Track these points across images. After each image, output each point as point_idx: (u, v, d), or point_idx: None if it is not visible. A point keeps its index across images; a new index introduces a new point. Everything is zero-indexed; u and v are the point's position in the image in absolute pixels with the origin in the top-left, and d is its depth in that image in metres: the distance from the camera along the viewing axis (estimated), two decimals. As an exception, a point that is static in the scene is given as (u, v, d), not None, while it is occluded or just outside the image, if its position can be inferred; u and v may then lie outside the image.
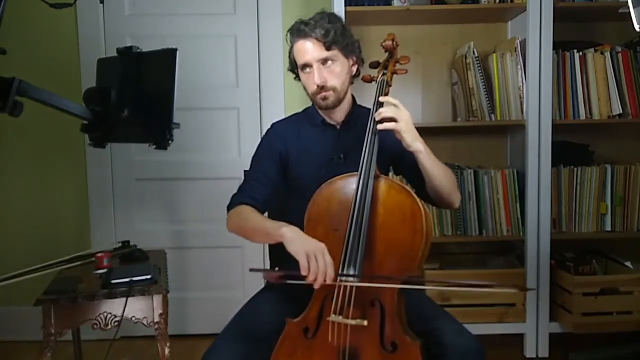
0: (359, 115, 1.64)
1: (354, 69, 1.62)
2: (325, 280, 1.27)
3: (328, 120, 1.64)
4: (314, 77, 1.53)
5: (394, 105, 1.40)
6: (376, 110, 1.42)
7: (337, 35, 1.52)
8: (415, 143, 1.40)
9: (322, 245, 1.31)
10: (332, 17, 1.56)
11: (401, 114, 1.39)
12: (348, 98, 1.63)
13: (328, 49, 1.51)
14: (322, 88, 1.53)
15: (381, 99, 1.43)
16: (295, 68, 1.62)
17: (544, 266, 2.36)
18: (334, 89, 1.54)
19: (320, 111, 1.64)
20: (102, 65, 1.78)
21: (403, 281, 1.31)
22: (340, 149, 1.58)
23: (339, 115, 1.62)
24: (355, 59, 1.61)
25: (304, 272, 1.27)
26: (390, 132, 1.40)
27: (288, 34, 1.59)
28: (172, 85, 1.53)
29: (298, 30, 1.55)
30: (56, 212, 2.71)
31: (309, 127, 1.66)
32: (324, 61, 1.53)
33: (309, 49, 1.52)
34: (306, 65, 1.55)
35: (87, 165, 2.69)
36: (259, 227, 1.47)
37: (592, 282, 2.28)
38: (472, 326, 1.42)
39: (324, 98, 1.55)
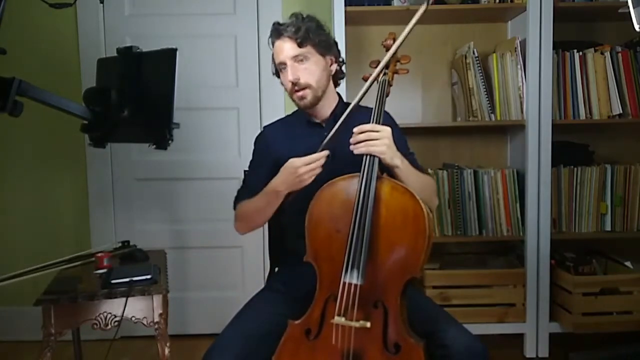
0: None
1: (333, 68, 1.63)
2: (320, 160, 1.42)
3: (313, 119, 1.64)
4: (288, 74, 1.54)
5: (371, 130, 1.37)
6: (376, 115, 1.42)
7: (308, 32, 1.53)
8: (393, 160, 1.40)
9: (290, 163, 1.42)
10: (307, 17, 1.58)
11: (380, 134, 1.37)
12: (330, 97, 1.64)
13: (300, 45, 1.53)
14: (295, 85, 1.54)
15: (355, 129, 1.39)
16: (277, 72, 1.63)
17: (544, 266, 2.36)
18: (309, 87, 1.54)
19: (305, 111, 1.65)
20: (102, 65, 1.78)
21: None
22: (327, 148, 1.58)
23: (323, 113, 1.63)
24: (333, 58, 1.62)
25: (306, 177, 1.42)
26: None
27: (269, 39, 1.61)
28: (172, 85, 1.53)
29: (273, 31, 1.58)
30: (56, 212, 2.71)
31: (297, 127, 1.67)
32: (297, 59, 1.54)
33: (284, 48, 1.55)
34: (282, 64, 1.57)
35: (87, 165, 2.69)
36: (258, 201, 1.54)
37: (592, 282, 2.28)
38: (472, 326, 1.41)
39: (301, 97, 1.56)
